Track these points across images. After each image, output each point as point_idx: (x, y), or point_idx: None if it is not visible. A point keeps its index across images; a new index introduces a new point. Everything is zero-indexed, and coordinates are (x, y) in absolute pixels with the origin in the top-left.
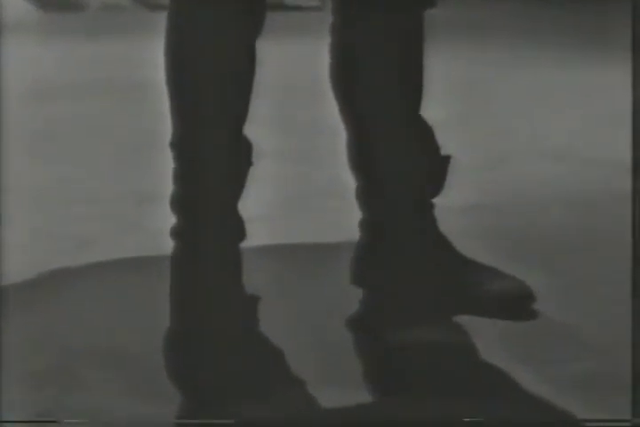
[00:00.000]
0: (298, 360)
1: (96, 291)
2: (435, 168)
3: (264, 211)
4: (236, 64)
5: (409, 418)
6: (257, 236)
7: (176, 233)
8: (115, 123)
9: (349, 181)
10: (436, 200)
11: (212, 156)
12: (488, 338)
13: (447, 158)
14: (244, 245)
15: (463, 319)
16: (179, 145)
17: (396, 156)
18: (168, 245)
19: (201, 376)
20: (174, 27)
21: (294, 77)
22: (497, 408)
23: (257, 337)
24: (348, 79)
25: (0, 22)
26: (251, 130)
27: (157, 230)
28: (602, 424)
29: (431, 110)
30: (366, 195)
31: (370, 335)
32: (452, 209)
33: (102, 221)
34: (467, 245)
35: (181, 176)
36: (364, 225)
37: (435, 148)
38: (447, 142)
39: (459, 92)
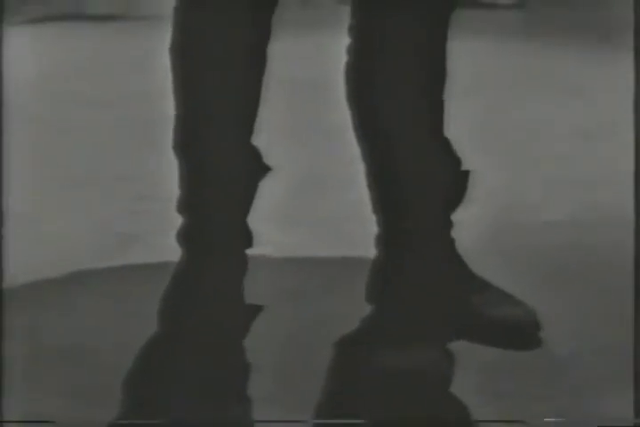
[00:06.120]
0: (264, 377)
1: (113, 294)
2: (454, 183)
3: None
4: (244, 67)
5: None
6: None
7: (178, 236)
8: None
9: None
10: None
11: (215, 160)
12: (472, 368)
13: (467, 173)
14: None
15: (458, 345)
16: (182, 149)
17: (413, 170)
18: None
19: (152, 383)
20: (180, 28)
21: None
22: None
23: (234, 348)
24: (365, 91)
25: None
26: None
27: None
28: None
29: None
30: (382, 210)
31: (352, 358)
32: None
33: (149, 220)
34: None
35: (185, 181)
36: (380, 241)
37: (455, 162)
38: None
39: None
